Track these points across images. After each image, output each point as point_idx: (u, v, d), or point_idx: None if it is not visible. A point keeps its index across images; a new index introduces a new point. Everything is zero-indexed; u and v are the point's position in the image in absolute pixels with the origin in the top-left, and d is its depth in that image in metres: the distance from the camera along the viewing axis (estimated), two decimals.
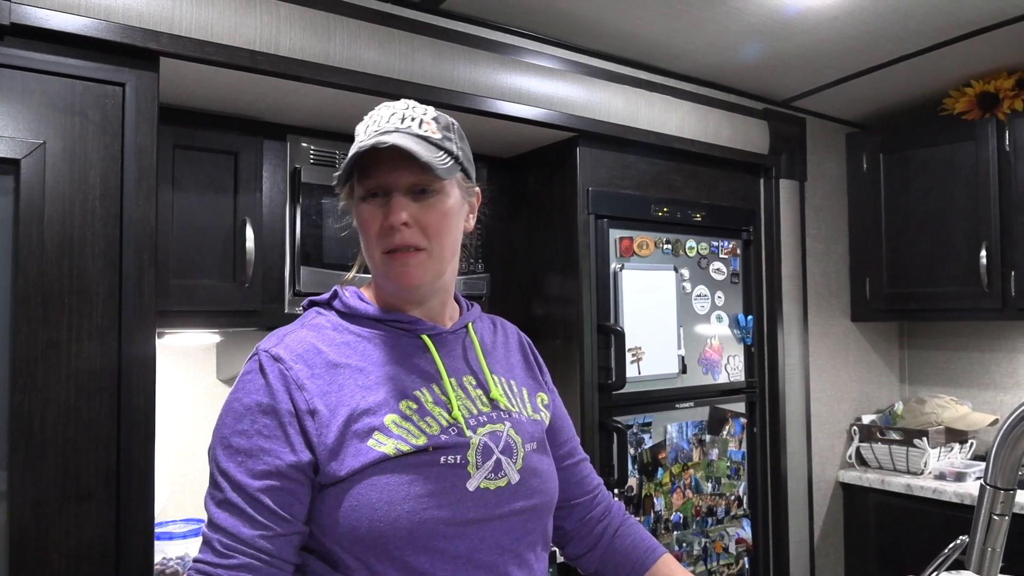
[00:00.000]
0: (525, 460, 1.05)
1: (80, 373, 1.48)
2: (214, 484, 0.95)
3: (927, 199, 2.97)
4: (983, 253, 2.77)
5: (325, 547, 0.96)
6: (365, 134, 1.02)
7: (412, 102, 1.07)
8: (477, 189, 1.12)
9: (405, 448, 0.96)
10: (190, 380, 2.22)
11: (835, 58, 2.57)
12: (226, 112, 1.93)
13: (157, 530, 1.60)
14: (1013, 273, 2.72)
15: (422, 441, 0.97)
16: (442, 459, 0.97)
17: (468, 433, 1.01)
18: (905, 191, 3.03)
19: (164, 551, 1.85)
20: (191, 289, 1.86)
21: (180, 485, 2.15)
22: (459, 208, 1.07)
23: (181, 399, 2.19)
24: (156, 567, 1.77)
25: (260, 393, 0.96)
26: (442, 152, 1.02)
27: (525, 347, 1.24)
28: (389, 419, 0.97)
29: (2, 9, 1.40)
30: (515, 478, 1.03)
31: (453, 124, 1.08)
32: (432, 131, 1.03)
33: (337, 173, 1.02)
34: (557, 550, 2.30)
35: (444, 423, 1.00)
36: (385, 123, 1.02)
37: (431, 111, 1.06)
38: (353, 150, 1.00)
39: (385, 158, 0.99)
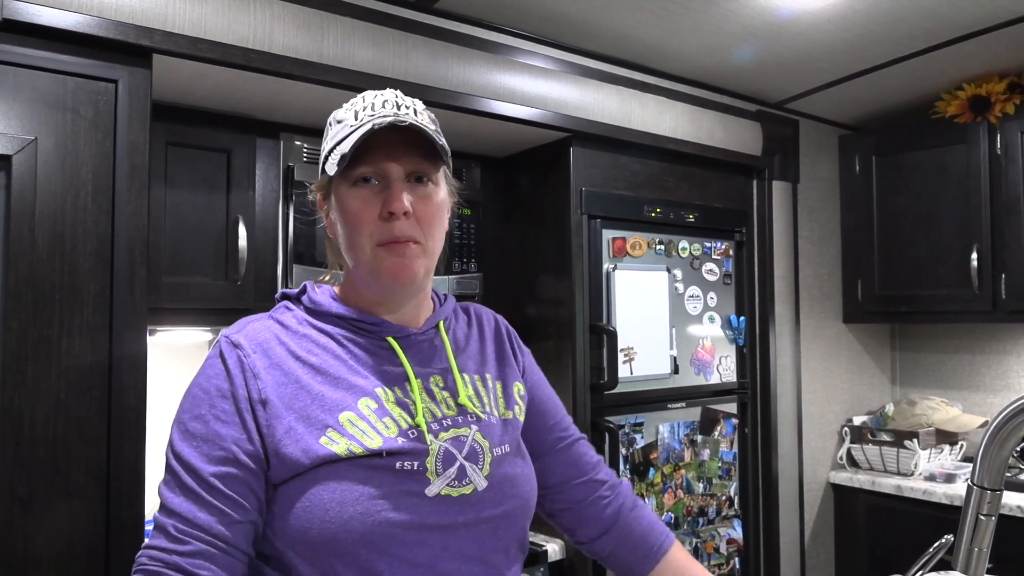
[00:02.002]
0: (494, 465, 1.01)
1: (71, 370, 1.47)
2: (169, 470, 0.92)
3: (919, 201, 2.98)
4: (974, 256, 2.79)
5: (279, 552, 0.93)
6: (357, 119, 0.99)
7: (398, 91, 1.04)
8: (455, 187, 1.10)
9: (357, 450, 0.92)
10: (182, 378, 2.20)
11: (828, 60, 2.58)
12: (219, 110, 1.93)
13: (147, 528, 1.60)
14: (1004, 276, 2.73)
15: (376, 443, 0.93)
16: (398, 464, 0.93)
17: (428, 438, 0.97)
18: (897, 193, 3.05)
19: None
20: (183, 287, 1.86)
21: None
22: (446, 203, 1.05)
23: (172, 397, 2.19)
24: None
25: (219, 379, 0.95)
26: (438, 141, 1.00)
27: (502, 332, 1.19)
28: (344, 417, 0.94)
29: None
30: (482, 484, 0.98)
31: (436, 120, 1.06)
32: (426, 121, 1.01)
33: (342, 152, 0.96)
34: (548, 549, 2.29)
35: (404, 425, 0.96)
36: (379, 108, 0.99)
37: (420, 103, 1.04)
38: (355, 130, 0.96)
39: (381, 144, 0.97)
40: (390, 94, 1.02)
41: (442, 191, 1.03)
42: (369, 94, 1.03)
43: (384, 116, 0.97)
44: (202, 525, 0.88)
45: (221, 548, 0.89)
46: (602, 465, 1.23)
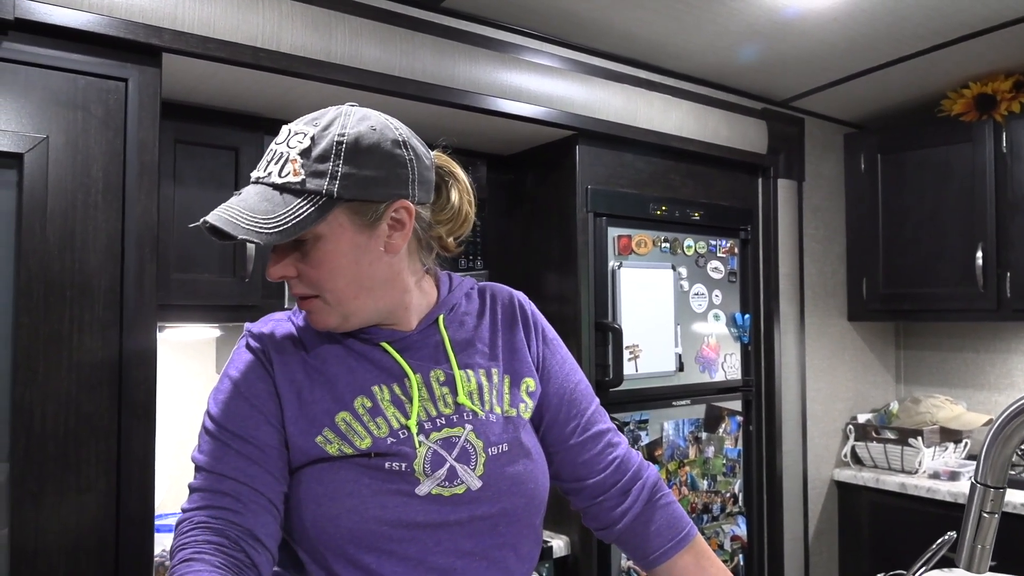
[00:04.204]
0: (489, 465, 1.00)
1: (81, 366, 1.49)
2: (214, 439, 0.96)
3: (924, 200, 2.98)
4: (979, 254, 2.79)
5: (285, 539, 0.98)
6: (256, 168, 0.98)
7: (294, 127, 0.97)
8: (402, 204, 0.97)
9: (348, 450, 0.96)
10: (190, 374, 2.23)
11: (833, 59, 2.58)
12: (227, 108, 1.94)
13: (156, 523, 1.61)
14: (1008, 274, 2.73)
15: (366, 444, 0.96)
16: (387, 465, 0.96)
17: (418, 440, 0.98)
18: (902, 192, 3.05)
19: (163, 544, 1.86)
20: (192, 283, 1.87)
21: (180, 478, 2.16)
22: (351, 245, 0.96)
23: (181, 393, 2.20)
24: (155, 559, 1.78)
25: (253, 365, 1.00)
26: (301, 198, 0.92)
27: (517, 318, 1.14)
28: (340, 417, 0.97)
29: (6, 4, 1.41)
30: (476, 485, 0.99)
31: (341, 144, 0.93)
32: (293, 172, 0.93)
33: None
34: (553, 545, 2.30)
35: (395, 425, 0.98)
36: (263, 165, 0.96)
37: (307, 139, 0.94)
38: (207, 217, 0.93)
39: None
40: (283, 135, 0.97)
41: (331, 240, 0.95)
42: (280, 135, 0.98)
43: (254, 180, 0.96)
44: (258, 488, 0.92)
45: (274, 513, 0.93)
46: (620, 462, 1.16)
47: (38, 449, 1.44)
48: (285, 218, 0.91)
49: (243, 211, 0.92)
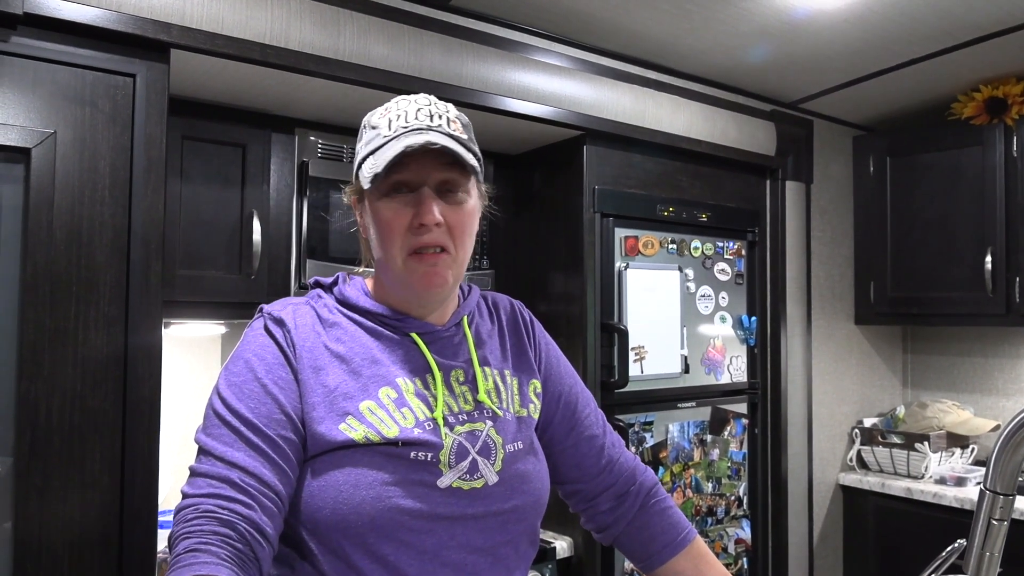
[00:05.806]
0: (506, 461, 1.02)
1: (86, 361, 1.49)
2: (224, 425, 0.93)
3: (933, 203, 2.96)
4: (988, 258, 2.77)
5: (290, 525, 0.96)
6: (390, 129, 1.00)
7: (432, 97, 1.05)
8: (485, 189, 1.10)
9: (374, 438, 0.95)
10: (195, 371, 2.23)
11: (843, 61, 2.57)
12: (235, 105, 1.94)
13: (160, 519, 1.61)
14: (1018, 279, 2.72)
15: (393, 432, 0.96)
16: (412, 454, 0.96)
17: (444, 431, 0.99)
18: (911, 195, 3.03)
19: (167, 540, 1.86)
20: (197, 280, 1.87)
21: (184, 474, 2.15)
22: (477, 212, 1.06)
23: (186, 390, 2.21)
24: (159, 555, 1.79)
25: (273, 348, 0.98)
26: (470, 153, 1.00)
27: (519, 324, 1.18)
28: (364, 405, 0.97)
29: None
30: (493, 479, 1.00)
31: (469, 124, 1.06)
32: (459, 131, 1.02)
33: (375, 170, 0.97)
34: (556, 546, 2.29)
35: (421, 417, 0.99)
36: (413, 118, 1.00)
37: (452, 109, 1.04)
38: (391, 145, 0.97)
39: (413, 154, 0.97)
40: (423, 101, 1.03)
41: (473, 199, 1.04)
42: (403, 100, 1.03)
43: (417, 130, 0.98)
44: (268, 482, 0.90)
45: (279, 507, 0.91)
46: (616, 465, 1.19)
47: (43, 443, 1.44)
48: (471, 161, 1.00)
49: (453, 144, 0.98)
